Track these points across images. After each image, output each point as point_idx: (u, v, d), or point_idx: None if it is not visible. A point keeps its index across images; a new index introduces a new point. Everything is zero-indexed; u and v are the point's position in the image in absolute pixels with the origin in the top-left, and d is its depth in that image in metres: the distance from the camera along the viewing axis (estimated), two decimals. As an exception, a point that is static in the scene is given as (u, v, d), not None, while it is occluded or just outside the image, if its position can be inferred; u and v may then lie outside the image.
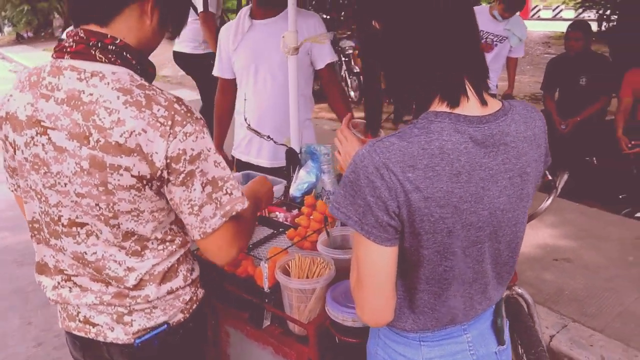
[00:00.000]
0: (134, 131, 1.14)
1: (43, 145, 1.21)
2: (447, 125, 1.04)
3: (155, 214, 1.26)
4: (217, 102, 2.94)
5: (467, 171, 1.03)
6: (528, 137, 1.13)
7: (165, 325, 1.36)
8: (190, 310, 1.42)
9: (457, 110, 1.06)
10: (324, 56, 2.64)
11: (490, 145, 1.06)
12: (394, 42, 1.08)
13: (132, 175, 1.17)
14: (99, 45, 1.18)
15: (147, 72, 1.28)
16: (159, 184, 1.21)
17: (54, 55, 1.23)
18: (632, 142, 4.22)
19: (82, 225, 1.27)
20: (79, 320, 1.37)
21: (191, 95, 9.05)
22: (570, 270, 3.12)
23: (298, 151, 2.33)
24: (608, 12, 10.85)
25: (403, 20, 1.05)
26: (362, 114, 6.89)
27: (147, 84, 1.21)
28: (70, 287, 1.35)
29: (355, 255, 1.13)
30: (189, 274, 1.40)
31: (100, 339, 1.35)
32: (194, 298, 1.43)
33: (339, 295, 1.52)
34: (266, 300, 1.64)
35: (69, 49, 1.20)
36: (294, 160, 2.30)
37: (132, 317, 1.33)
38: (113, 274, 1.30)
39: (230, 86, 2.87)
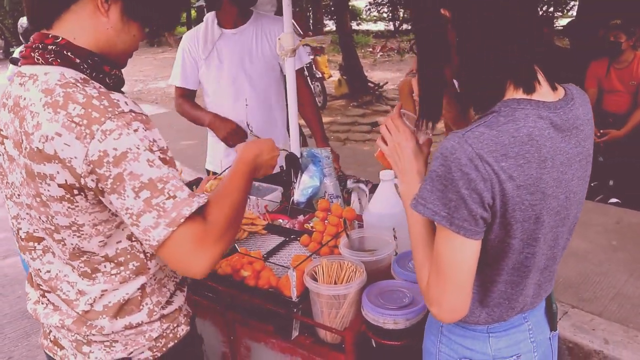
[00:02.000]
0: (48, 135, 1.04)
1: (2, 154, 1.18)
2: (530, 111, 1.03)
3: (99, 228, 1.14)
4: (179, 105, 2.76)
5: (551, 157, 1.04)
6: (589, 120, 1.15)
7: None
8: (164, 349, 1.30)
9: (534, 97, 1.06)
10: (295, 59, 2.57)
11: (566, 130, 1.07)
12: (466, 29, 1.05)
13: (59, 185, 1.07)
14: (40, 46, 1.12)
15: (102, 70, 1.17)
16: (92, 193, 1.08)
17: (19, 64, 1.20)
18: (601, 131, 4.36)
19: (39, 240, 1.21)
20: (50, 340, 1.33)
21: (151, 109, 8.86)
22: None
23: (299, 156, 2.27)
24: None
25: (476, 6, 1.03)
26: (327, 119, 6.88)
27: (80, 81, 1.09)
28: (45, 304, 1.29)
29: (437, 253, 1.09)
30: (157, 309, 1.27)
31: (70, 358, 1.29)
32: (170, 335, 1.31)
33: (375, 297, 1.48)
34: (294, 310, 1.58)
35: (21, 56, 1.17)
36: (294, 165, 2.25)
37: (90, 348, 1.25)
38: (64, 296, 1.22)
39: (192, 96, 2.76)
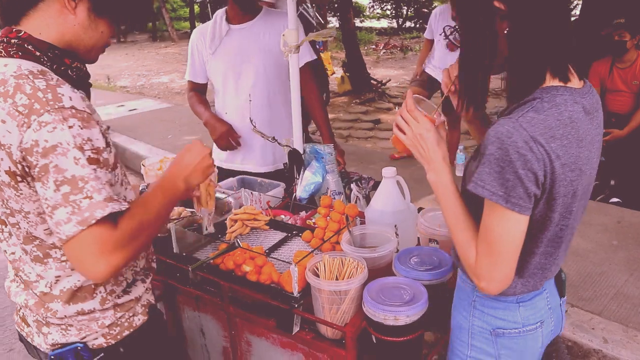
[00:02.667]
0: None
1: None
2: (567, 97, 1.16)
3: (44, 216, 1.17)
4: (190, 98, 2.81)
5: (584, 137, 1.17)
6: (601, 106, 1.28)
7: (79, 345, 1.30)
8: (118, 337, 1.33)
9: (569, 85, 1.18)
10: (303, 55, 2.55)
11: (591, 113, 1.20)
12: (520, 21, 1.14)
13: (5, 171, 1.14)
14: (5, 40, 1.18)
15: (63, 63, 1.22)
16: (29, 179, 1.13)
17: None
18: (603, 131, 4.35)
19: (4, 223, 1.26)
20: (19, 317, 1.41)
21: (153, 104, 8.87)
22: (560, 257, 3.17)
23: (302, 152, 2.28)
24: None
25: (531, 0, 1.13)
26: (329, 116, 6.87)
27: (35, 73, 1.13)
28: (18, 283, 1.35)
29: (488, 230, 1.19)
30: (111, 297, 1.31)
31: (29, 340, 1.37)
32: (125, 324, 1.34)
33: (376, 294, 1.49)
34: (296, 305, 1.59)
35: None
36: (297, 161, 2.26)
37: (49, 330, 1.32)
38: (26, 277, 1.29)
39: (203, 90, 2.83)
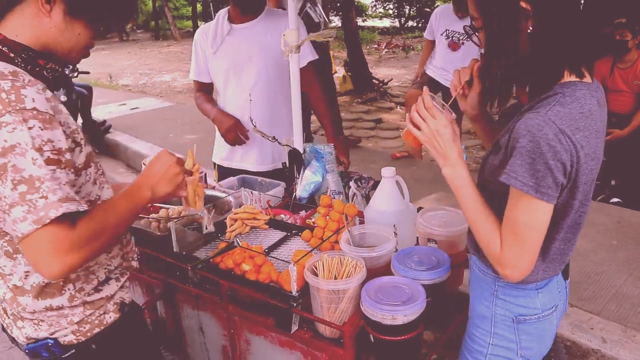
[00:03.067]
0: None
1: None
2: (585, 92, 1.24)
3: None
4: (197, 98, 2.84)
5: (600, 128, 1.26)
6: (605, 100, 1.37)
7: (49, 341, 1.33)
8: (88, 334, 1.35)
9: (583, 80, 1.26)
10: (305, 55, 2.57)
11: (602, 106, 1.29)
12: (545, 20, 1.22)
13: None
14: None
15: (37, 64, 1.25)
16: None
17: None
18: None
19: None
20: (2, 308, 1.43)
21: (155, 103, 8.88)
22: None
23: (302, 151, 2.29)
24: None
25: (557, 1, 1.22)
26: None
27: (6, 74, 1.16)
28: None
29: (515, 219, 1.26)
30: (80, 295, 1.33)
31: (9, 331, 1.41)
32: (95, 321, 1.36)
33: (374, 293, 1.50)
34: (294, 304, 1.60)
35: None
36: (297, 160, 2.26)
37: (23, 324, 1.35)
38: (1, 270, 1.31)
39: (209, 89, 2.84)
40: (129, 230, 1.51)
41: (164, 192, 1.39)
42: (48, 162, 1.13)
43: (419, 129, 1.40)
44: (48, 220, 1.10)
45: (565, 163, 1.19)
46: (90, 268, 1.35)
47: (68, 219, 1.14)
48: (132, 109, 8.44)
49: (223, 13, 2.65)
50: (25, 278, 1.29)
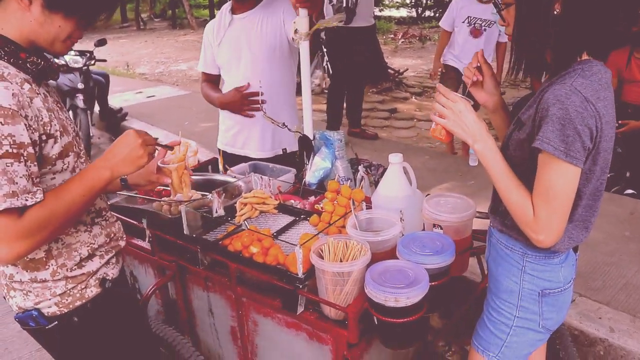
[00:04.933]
0: None
1: None
2: (600, 67, 1.38)
3: None
4: (204, 89, 2.91)
5: (614, 100, 1.38)
6: None
7: (34, 312, 1.42)
8: (70, 306, 1.43)
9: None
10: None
11: (611, 82, 1.42)
12: (574, 6, 1.32)
13: None
14: None
15: (19, 57, 1.30)
16: None
17: None
18: (619, 122, 4.30)
19: None
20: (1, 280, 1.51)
21: (171, 91, 8.95)
22: (571, 247, 3.16)
23: (312, 138, 2.31)
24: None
25: None
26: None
27: None
28: None
29: (546, 183, 1.35)
30: (62, 270, 1.41)
31: (6, 300, 1.49)
32: (77, 295, 1.44)
33: (378, 276, 1.52)
34: (300, 286, 1.63)
35: None
36: (307, 147, 2.29)
37: (15, 293, 1.45)
38: None
39: (215, 81, 2.91)
40: (107, 209, 1.57)
41: (125, 172, 1.41)
42: (3, 155, 1.19)
43: (443, 119, 1.51)
44: None
45: (591, 128, 1.30)
46: (73, 245, 1.43)
47: (14, 211, 1.21)
48: (148, 97, 8.51)
49: (227, 5, 2.72)
50: None
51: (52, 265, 1.40)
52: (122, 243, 1.61)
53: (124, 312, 1.60)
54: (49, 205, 1.27)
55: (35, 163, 1.26)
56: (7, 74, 1.25)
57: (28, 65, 1.32)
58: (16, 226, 1.22)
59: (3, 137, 1.18)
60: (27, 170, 1.23)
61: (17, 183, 1.20)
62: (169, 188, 1.75)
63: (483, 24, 4.55)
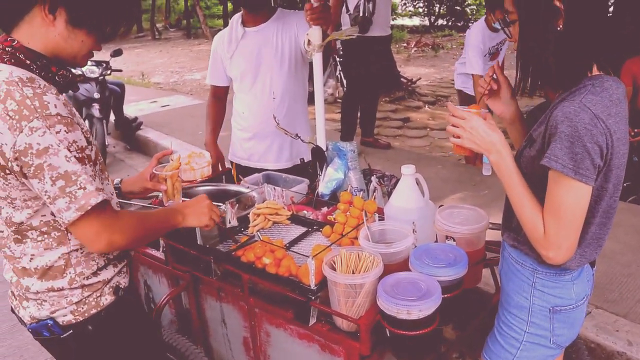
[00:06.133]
0: None
1: None
2: (612, 83, 1.35)
3: (29, 202, 1.34)
4: (210, 105, 2.98)
5: (626, 116, 1.37)
6: None
7: (50, 321, 1.44)
8: (86, 314, 1.45)
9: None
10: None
11: (625, 97, 1.40)
12: (576, 21, 1.31)
13: None
14: (0, 47, 1.32)
15: (50, 71, 1.35)
16: (17, 174, 1.28)
17: None
18: (635, 130, 4.26)
19: None
20: (11, 291, 1.55)
21: (185, 101, 9.02)
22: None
23: (325, 149, 2.32)
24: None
25: (586, 3, 1.32)
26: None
27: (24, 80, 1.27)
28: (6, 259, 1.48)
29: (556, 201, 1.34)
30: (80, 279, 1.44)
31: (17, 311, 1.53)
32: (92, 303, 1.47)
33: (390, 288, 1.52)
34: (312, 298, 1.63)
35: None
36: (320, 158, 2.30)
37: (28, 304, 1.47)
38: (10, 252, 1.43)
39: (223, 94, 2.94)
40: None
41: (190, 223, 1.66)
42: (77, 159, 1.27)
43: (459, 137, 1.49)
44: (89, 207, 1.27)
45: (601, 145, 1.28)
46: (91, 255, 1.46)
47: (108, 205, 1.34)
48: (162, 106, 8.59)
49: (237, 18, 2.74)
50: (31, 261, 1.41)
51: (69, 273, 1.43)
52: (132, 252, 1.65)
53: (135, 321, 1.61)
54: (138, 214, 1.47)
55: (92, 164, 1.34)
56: (43, 85, 1.29)
57: (57, 78, 1.37)
58: (110, 218, 1.34)
59: (70, 144, 1.26)
60: (92, 171, 1.32)
61: (95, 181, 1.30)
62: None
63: (498, 46, 4.52)
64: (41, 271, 1.42)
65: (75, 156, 1.26)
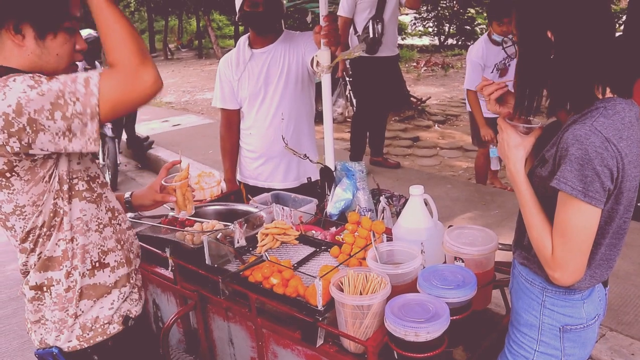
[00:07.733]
0: None
1: None
2: (625, 106, 1.35)
3: (38, 203, 1.31)
4: (224, 138, 2.95)
5: (639, 138, 1.36)
6: None
7: (55, 349, 1.43)
8: (91, 341, 1.44)
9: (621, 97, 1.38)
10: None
11: (638, 120, 1.39)
12: (566, 52, 1.33)
13: None
14: None
15: None
16: (20, 156, 1.24)
17: None
18: None
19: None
20: (25, 317, 1.52)
21: (196, 120, 9.11)
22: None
23: (333, 169, 2.33)
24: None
25: (581, 28, 1.32)
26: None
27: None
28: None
29: (564, 222, 1.35)
30: (75, 272, 1.42)
31: (30, 335, 1.51)
32: (99, 330, 1.45)
33: (398, 309, 1.51)
34: (320, 319, 1.62)
35: None
36: (329, 178, 2.30)
37: (35, 328, 1.47)
38: (21, 268, 1.43)
39: (235, 117, 2.89)
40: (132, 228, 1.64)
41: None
42: (47, 81, 1.22)
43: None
44: (97, 107, 1.22)
45: (612, 169, 1.28)
46: (86, 247, 1.43)
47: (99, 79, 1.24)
48: (174, 125, 8.68)
49: (243, 40, 2.78)
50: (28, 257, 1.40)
51: (65, 266, 1.41)
52: (137, 261, 1.63)
53: (143, 351, 1.59)
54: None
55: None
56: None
57: None
58: (118, 68, 1.25)
59: (31, 78, 1.22)
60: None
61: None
62: (199, 220, 1.80)
63: (505, 61, 4.51)
64: (58, 297, 1.42)
65: (44, 82, 1.21)
